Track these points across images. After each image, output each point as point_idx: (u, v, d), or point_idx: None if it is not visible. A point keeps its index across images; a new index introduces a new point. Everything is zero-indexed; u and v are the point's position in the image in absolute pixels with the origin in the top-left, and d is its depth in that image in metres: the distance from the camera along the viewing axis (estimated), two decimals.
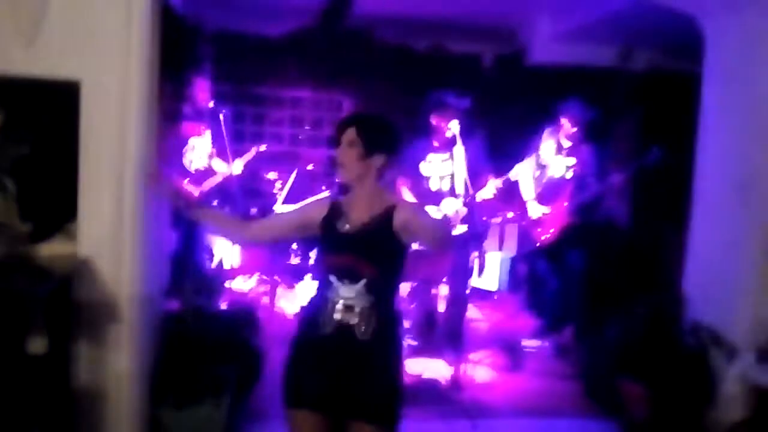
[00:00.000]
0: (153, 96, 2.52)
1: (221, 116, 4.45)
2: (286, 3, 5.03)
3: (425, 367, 3.86)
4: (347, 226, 2.00)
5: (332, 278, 1.96)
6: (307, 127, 6.00)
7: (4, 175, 2.27)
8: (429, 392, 3.61)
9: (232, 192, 4.70)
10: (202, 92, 4.40)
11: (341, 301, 1.94)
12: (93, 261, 2.39)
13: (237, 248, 4.95)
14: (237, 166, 4.62)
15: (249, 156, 4.73)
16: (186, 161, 4.33)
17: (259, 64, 5.40)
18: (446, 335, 4.06)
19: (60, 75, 2.31)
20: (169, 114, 3.11)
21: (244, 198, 4.92)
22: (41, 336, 2.09)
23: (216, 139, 4.52)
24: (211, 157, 4.52)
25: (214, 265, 4.57)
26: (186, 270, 3.66)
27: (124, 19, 2.36)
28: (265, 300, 4.63)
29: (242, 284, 5.01)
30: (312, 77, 5.50)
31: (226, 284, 4.48)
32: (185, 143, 4.29)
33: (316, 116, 5.97)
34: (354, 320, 1.93)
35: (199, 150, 4.42)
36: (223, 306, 3.43)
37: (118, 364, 2.45)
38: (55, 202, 2.37)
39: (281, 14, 5.23)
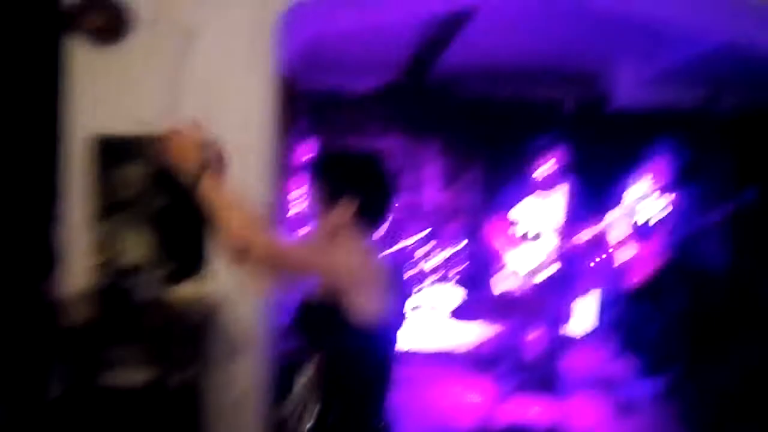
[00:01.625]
0: (275, 152, 2.77)
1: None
2: (374, 58, 5.33)
3: (522, 409, 3.86)
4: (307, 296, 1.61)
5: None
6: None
7: (151, 222, 2.55)
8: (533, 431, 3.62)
9: None
10: (303, 147, 4.68)
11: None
12: (223, 300, 2.61)
13: None
14: None
15: None
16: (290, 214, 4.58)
17: (348, 118, 5.71)
18: (542, 378, 4.05)
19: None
20: (282, 168, 3.36)
21: None
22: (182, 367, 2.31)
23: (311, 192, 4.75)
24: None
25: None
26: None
27: (254, 84, 2.65)
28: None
29: None
30: (399, 129, 5.75)
31: None
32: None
33: (402, 166, 6.20)
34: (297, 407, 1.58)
35: (299, 202, 4.67)
36: None
37: (247, 393, 2.64)
38: (192, 247, 2.61)
39: (369, 70, 5.54)
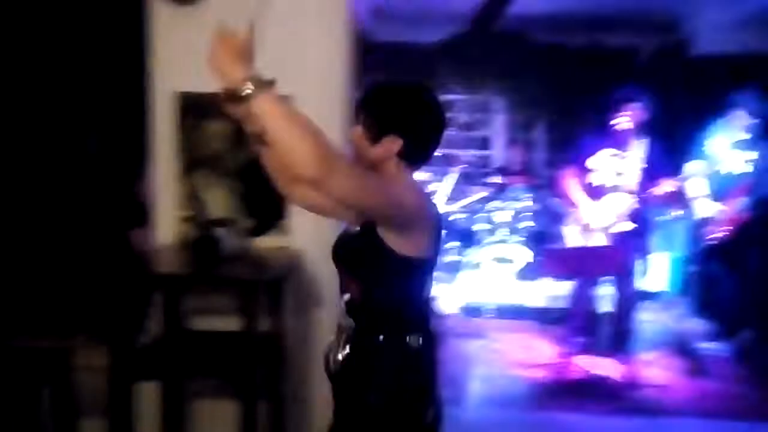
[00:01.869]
0: (350, 105, 2.80)
1: None
2: (441, 9, 5.23)
3: (593, 365, 3.87)
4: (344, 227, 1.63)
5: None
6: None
7: (234, 178, 2.65)
8: (600, 389, 3.63)
9: None
10: None
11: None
12: (302, 252, 2.70)
13: None
14: None
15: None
16: None
17: (416, 70, 5.66)
18: (614, 335, 4.03)
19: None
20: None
21: None
22: (264, 316, 2.43)
23: None
24: None
25: None
26: None
27: (327, 40, 2.66)
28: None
29: None
30: (466, 81, 5.67)
31: None
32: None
33: (470, 119, 6.13)
34: (333, 343, 1.59)
35: None
36: None
37: (320, 341, 2.75)
38: (273, 201, 2.70)
39: (436, 21, 5.44)
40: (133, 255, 2.95)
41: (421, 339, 1.52)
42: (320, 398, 2.77)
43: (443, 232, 1.60)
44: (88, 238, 3.39)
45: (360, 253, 1.51)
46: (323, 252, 2.68)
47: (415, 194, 1.50)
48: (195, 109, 2.66)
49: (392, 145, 1.48)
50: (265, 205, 2.70)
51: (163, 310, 2.64)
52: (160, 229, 2.73)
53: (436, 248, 1.55)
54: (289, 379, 2.73)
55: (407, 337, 1.51)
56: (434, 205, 1.60)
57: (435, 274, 1.59)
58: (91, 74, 3.55)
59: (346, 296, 1.55)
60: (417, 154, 1.54)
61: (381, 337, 1.50)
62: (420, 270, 1.52)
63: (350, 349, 1.52)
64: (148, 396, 2.64)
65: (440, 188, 5.39)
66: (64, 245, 3.42)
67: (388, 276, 1.49)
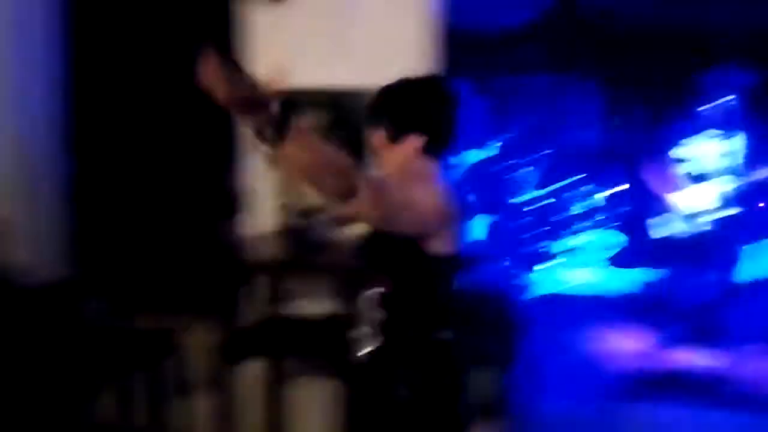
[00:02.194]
0: None
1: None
2: None
3: (689, 357, 3.75)
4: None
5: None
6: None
7: None
8: (695, 382, 3.52)
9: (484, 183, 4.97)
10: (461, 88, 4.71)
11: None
12: None
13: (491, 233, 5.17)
14: (486, 155, 4.88)
15: (493, 149, 4.96)
16: None
17: (499, 56, 5.59)
18: (706, 328, 3.89)
19: (367, 84, 2.73)
20: None
21: (494, 189, 5.15)
22: None
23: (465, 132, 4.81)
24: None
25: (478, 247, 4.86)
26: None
27: (415, 33, 2.71)
28: (517, 282, 4.82)
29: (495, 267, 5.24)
30: (555, 63, 5.55)
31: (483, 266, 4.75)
32: None
33: (560, 104, 6.00)
34: (360, 334, 1.59)
35: None
36: (484, 286, 3.68)
37: None
38: None
39: (519, 4, 5.35)
40: (224, 245, 3.11)
41: (450, 333, 1.54)
42: None
43: (468, 225, 1.63)
44: (185, 228, 3.62)
45: (389, 250, 1.50)
46: None
47: (440, 193, 1.49)
48: (287, 103, 2.78)
49: (413, 144, 1.50)
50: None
51: (263, 294, 2.79)
52: (259, 217, 2.88)
53: (461, 242, 1.54)
54: None
55: (437, 331, 1.53)
56: (459, 199, 1.58)
57: (464, 267, 1.62)
58: (189, 70, 3.75)
59: (377, 290, 1.53)
60: (439, 147, 1.54)
61: (411, 330, 1.51)
62: (448, 266, 1.53)
63: (380, 342, 1.52)
64: (249, 375, 2.81)
65: (531, 174, 5.33)
66: (166, 234, 3.68)
67: (417, 273, 1.49)
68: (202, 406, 2.85)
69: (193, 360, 2.83)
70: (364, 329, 1.56)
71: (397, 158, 1.52)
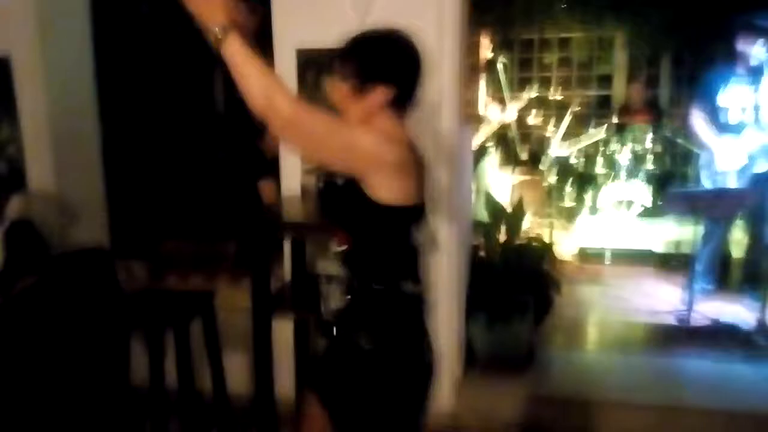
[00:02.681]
0: (462, 45, 2.81)
1: (501, 65, 4.65)
2: None
3: (722, 311, 3.73)
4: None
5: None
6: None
7: None
8: (727, 335, 3.51)
9: (508, 139, 4.92)
10: (483, 43, 4.61)
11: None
12: None
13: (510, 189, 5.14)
14: (511, 113, 4.81)
15: (521, 102, 4.87)
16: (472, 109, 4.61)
17: (526, 8, 5.46)
18: (744, 279, 3.84)
19: None
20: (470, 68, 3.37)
21: (520, 144, 5.10)
22: None
23: (490, 87, 4.74)
24: (486, 105, 4.77)
25: (512, 205, 4.85)
26: (479, 208, 4.01)
27: None
28: (551, 238, 4.81)
29: (532, 224, 5.23)
30: (583, 16, 5.40)
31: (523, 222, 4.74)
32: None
33: (587, 57, 5.86)
34: (325, 292, 1.61)
35: (480, 99, 4.68)
36: (524, 240, 3.68)
37: (441, 283, 2.87)
38: None
39: None
40: (261, 203, 3.17)
41: (414, 284, 1.57)
42: (438, 333, 2.92)
43: (429, 177, 1.59)
44: (220, 187, 3.69)
45: (345, 203, 1.51)
46: (438, 198, 2.79)
47: (398, 143, 1.48)
48: (314, 64, 2.78)
49: (382, 95, 1.49)
50: None
51: (290, 255, 2.86)
52: (286, 180, 2.92)
53: (422, 194, 1.54)
54: None
55: (401, 283, 1.55)
56: (419, 150, 1.57)
57: (424, 219, 1.59)
58: None
59: (338, 247, 1.55)
60: (404, 101, 1.53)
61: (375, 284, 1.52)
62: (407, 217, 1.52)
63: (346, 297, 1.54)
64: (281, 331, 2.89)
65: (557, 129, 5.25)
66: (202, 194, 3.77)
67: (374, 225, 1.49)
68: (236, 364, 2.96)
69: (226, 319, 2.92)
70: (332, 286, 1.57)
71: (361, 110, 1.51)
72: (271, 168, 3.05)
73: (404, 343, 1.55)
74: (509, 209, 3.57)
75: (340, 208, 1.56)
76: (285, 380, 2.90)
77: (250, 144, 3.75)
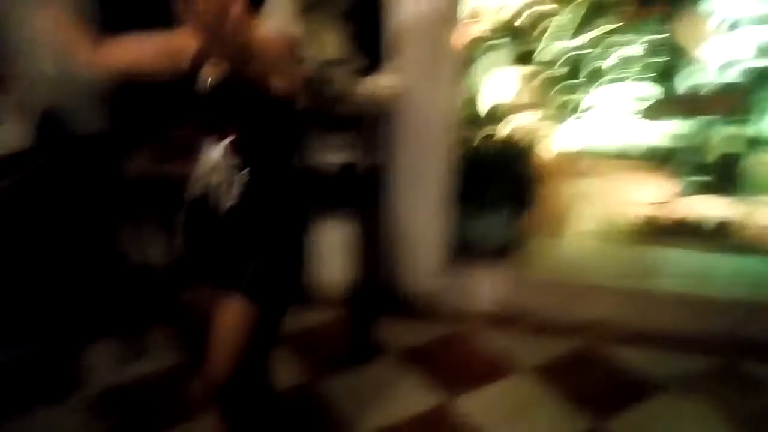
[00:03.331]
0: None
1: None
2: None
3: (707, 205, 3.84)
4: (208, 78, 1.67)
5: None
6: None
7: (344, 19, 2.79)
8: (710, 229, 3.65)
9: (515, 28, 4.81)
10: None
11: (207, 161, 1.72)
12: (410, 92, 2.86)
13: (518, 83, 5.10)
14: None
15: None
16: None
17: None
18: (724, 178, 3.92)
19: None
20: None
21: (526, 34, 5.00)
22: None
23: None
24: None
25: (498, 100, 4.86)
26: (472, 104, 4.05)
27: None
28: (540, 134, 4.86)
29: (522, 119, 5.24)
30: None
31: (509, 118, 4.76)
32: None
33: None
34: (214, 185, 1.72)
35: None
36: (506, 136, 3.75)
37: (429, 174, 3.02)
38: (382, 41, 2.83)
39: None
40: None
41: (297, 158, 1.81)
42: (424, 222, 3.09)
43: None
44: None
45: (238, 95, 1.60)
46: (430, 89, 2.86)
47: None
48: None
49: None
50: (374, 45, 2.84)
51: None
52: None
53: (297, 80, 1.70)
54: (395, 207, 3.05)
55: (292, 158, 1.78)
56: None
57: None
58: None
59: (227, 138, 1.67)
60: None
61: (274, 163, 1.73)
62: (291, 102, 1.67)
63: (247, 182, 1.68)
64: None
65: (561, 20, 5.11)
66: None
67: (264, 114, 1.64)
68: None
69: None
70: (224, 177, 1.69)
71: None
72: None
73: (305, 216, 1.84)
74: (505, 103, 3.61)
75: (235, 102, 1.64)
76: None
77: None
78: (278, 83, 1.58)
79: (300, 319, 3.03)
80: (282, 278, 1.76)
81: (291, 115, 1.71)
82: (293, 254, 1.79)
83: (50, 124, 2.83)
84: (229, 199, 1.70)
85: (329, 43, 2.86)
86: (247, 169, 1.68)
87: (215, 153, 1.69)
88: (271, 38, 1.62)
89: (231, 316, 1.71)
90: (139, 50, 1.75)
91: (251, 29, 1.53)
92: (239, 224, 1.72)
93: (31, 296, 2.61)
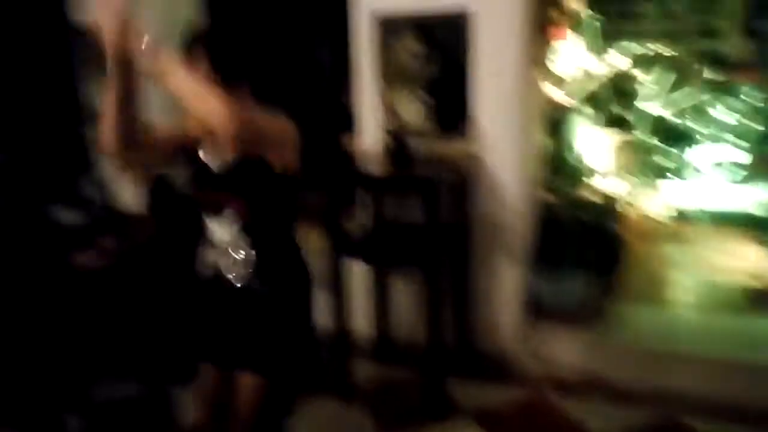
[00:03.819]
0: (530, 14, 2.89)
1: (590, 17, 4.56)
2: None
3: None
4: (210, 157, 1.74)
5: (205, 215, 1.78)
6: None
7: (423, 90, 2.97)
8: None
9: (602, 94, 4.84)
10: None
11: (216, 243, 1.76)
12: (485, 155, 2.97)
13: (607, 147, 5.09)
14: (604, 67, 4.72)
15: (616, 55, 4.75)
16: (553, 66, 4.60)
17: None
18: None
19: (458, 7, 2.85)
20: (540, 20, 3.41)
21: (615, 99, 5.00)
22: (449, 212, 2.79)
23: (586, 42, 4.66)
24: (579, 60, 4.70)
25: (582, 161, 4.85)
26: (556, 167, 4.07)
27: None
28: (629, 197, 4.77)
29: (610, 182, 5.18)
30: None
31: (594, 179, 4.72)
32: (552, 48, 4.54)
33: (690, 8, 5.54)
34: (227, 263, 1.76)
35: (565, 55, 4.64)
36: (591, 197, 3.74)
37: (506, 236, 3.06)
38: (458, 110, 2.98)
39: None
40: (343, 154, 3.46)
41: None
42: (501, 282, 3.12)
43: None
44: (307, 138, 4.01)
45: (250, 175, 1.67)
46: (504, 156, 2.95)
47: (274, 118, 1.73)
48: (389, 28, 2.99)
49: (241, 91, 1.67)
50: (451, 113, 2.99)
51: (366, 204, 3.14)
52: (363, 136, 3.18)
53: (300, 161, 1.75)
54: (471, 266, 3.11)
55: (293, 240, 1.82)
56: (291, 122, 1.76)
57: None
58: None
59: (235, 225, 1.71)
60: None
61: (280, 242, 1.78)
62: (294, 182, 1.74)
63: (255, 262, 1.73)
64: (357, 273, 3.21)
65: (652, 85, 5.08)
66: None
67: (272, 193, 1.71)
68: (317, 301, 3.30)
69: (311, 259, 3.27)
70: (231, 255, 1.74)
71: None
72: (351, 121, 3.31)
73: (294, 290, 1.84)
74: (592, 166, 3.62)
75: (247, 181, 1.69)
76: (360, 317, 3.24)
77: (335, 99, 4.05)
78: (279, 161, 1.68)
79: (374, 374, 3.12)
80: (290, 353, 1.81)
81: (295, 192, 1.78)
82: (300, 329, 1.85)
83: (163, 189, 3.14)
84: (238, 279, 1.75)
85: (411, 111, 3.05)
86: (254, 252, 1.73)
87: (223, 233, 1.74)
88: (268, 117, 1.71)
89: (243, 392, 1.79)
90: (155, 145, 1.72)
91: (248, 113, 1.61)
92: (248, 303, 1.77)
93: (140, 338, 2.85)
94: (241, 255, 1.74)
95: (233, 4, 3.94)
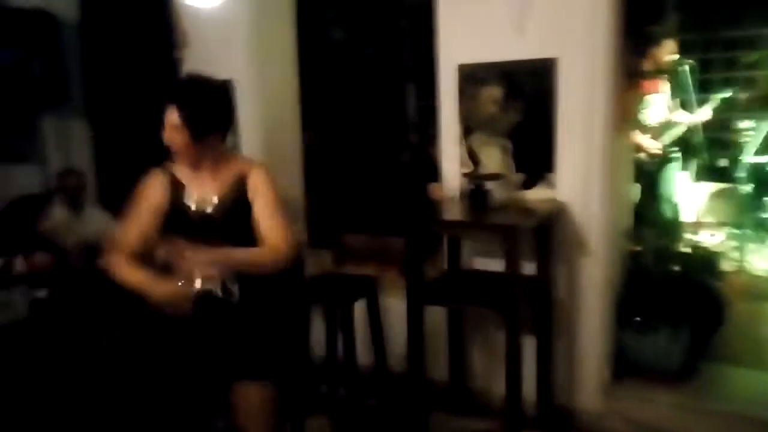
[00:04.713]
0: (616, 62, 2.86)
1: (686, 68, 4.44)
2: None
3: None
4: (194, 207, 1.90)
5: None
6: None
7: (504, 138, 2.99)
8: None
9: (696, 143, 4.67)
10: (665, 48, 4.45)
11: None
12: (568, 204, 2.92)
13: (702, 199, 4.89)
14: (701, 116, 4.56)
15: (713, 104, 4.59)
16: (644, 117, 4.49)
17: (728, 5, 5.10)
18: None
19: (542, 55, 2.87)
20: (630, 71, 3.37)
21: (711, 148, 4.81)
22: (532, 259, 2.75)
23: (679, 91, 4.54)
24: (672, 110, 4.57)
25: (675, 214, 4.66)
26: (646, 217, 3.93)
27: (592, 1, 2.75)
28: (733, 253, 4.52)
29: (708, 236, 4.95)
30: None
31: (689, 233, 4.52)
32: (644, 99, 4.46)
33: None
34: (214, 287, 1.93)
35: (657, 105, 4.53)
36: (685, 250, 3.57)
37: (589, 287, 2.96)
38: (540, 157, 2.97)
39: None
40: (429, 203, 3.51)
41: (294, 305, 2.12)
42: (584, 336, 3.02)
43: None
44: (398, 189, 4.11)
45: (237, 222, 1.87)
46: (587, 204, 2.90)
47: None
48: (472, 78, 3.05)
49: (213, 140, 1.92)
50: (533, 161, 2.98)
51: (446, 250, 3.15)
52: (446, 183, 3.22)
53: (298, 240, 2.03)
54: (555, 316, 3.02)
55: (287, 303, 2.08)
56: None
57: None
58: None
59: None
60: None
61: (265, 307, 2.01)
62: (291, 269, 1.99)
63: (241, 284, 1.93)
64: (436, 319, 3.20)
65: (755, 135, 4.84)
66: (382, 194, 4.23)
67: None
68: (395, 345, 3.32)
69: (390, 304, 3.31)
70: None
71: (199, 152, 1.87)
72: (436, 172, 3.37)
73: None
74: (693, 218, 3.47)
75: (230, 227, 1.90)
76: (439, 361, 3.21)
77: (423, 150, 4.14)
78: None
79: (459, 426, 3.07)
80: (286, 354, 2.04)
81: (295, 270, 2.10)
82: (292, 332, 2.10)
83: None
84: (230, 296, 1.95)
85: (493, 158, 3.07)
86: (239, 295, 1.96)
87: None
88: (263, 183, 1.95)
89: (254, 401, 1.93)
90: (138, 236, 1.95)
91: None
92: (240, 319, 1.95)
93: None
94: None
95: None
